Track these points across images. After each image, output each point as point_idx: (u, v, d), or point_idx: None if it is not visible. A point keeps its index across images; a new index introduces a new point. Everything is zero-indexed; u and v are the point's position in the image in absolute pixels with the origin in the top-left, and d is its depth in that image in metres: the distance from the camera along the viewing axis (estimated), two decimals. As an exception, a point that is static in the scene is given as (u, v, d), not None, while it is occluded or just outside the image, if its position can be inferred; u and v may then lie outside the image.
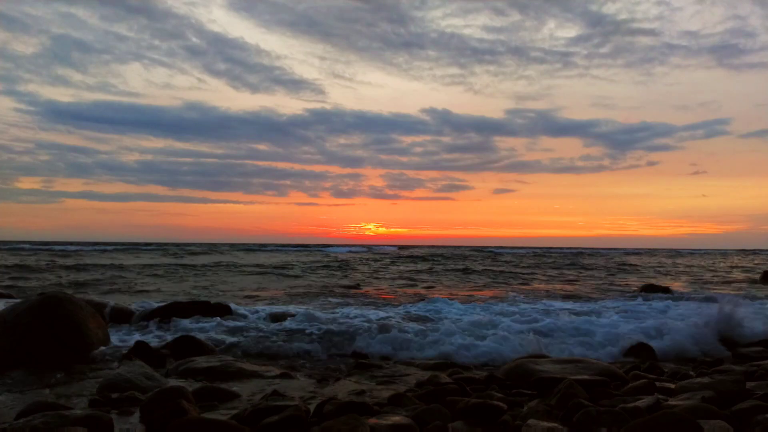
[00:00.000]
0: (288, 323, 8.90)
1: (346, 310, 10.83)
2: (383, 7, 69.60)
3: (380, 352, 7.52)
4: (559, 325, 8.80)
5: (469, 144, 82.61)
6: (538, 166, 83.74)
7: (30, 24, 62.75)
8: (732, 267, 32.40)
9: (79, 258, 32.57)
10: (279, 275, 22.90)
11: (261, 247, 65.03)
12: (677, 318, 9.33)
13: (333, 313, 10.17)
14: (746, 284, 21.22)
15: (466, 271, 27.29)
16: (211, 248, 57.19)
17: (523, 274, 25.98)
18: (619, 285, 20.13)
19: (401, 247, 72.33)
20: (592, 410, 3.77)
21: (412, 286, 19.20)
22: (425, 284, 19.88)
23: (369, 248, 66.94)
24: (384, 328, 8.38)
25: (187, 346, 7.16)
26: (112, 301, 10.32)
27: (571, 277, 23.88)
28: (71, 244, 65.71)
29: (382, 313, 10.29)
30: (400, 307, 11.54)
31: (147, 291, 15.77)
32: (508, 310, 10.74)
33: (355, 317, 9.59)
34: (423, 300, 12.88)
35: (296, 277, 22.50)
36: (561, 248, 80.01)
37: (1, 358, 6.28)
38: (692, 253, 71.54)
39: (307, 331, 8.22)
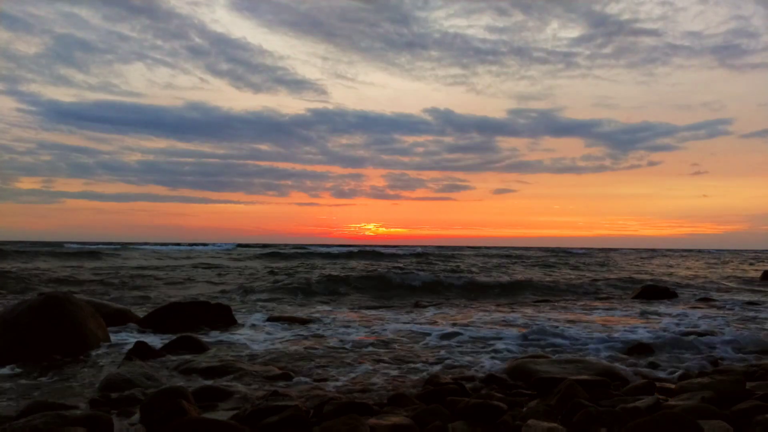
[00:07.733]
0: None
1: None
2: (386, 8, 69.48)
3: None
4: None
5: (471, 144, 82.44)
6: (540, 166, 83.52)
7: (33, 24, 62.56)
8: (732, 267, 32.39)
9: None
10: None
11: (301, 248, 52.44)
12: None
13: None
14: (747, 284, 21.21)
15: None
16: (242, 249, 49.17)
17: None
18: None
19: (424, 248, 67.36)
20: (593, 410, 3.77)
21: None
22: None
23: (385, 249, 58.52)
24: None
25: (187, 346, 7.16)
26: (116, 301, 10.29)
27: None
28: (75, 244, 65.33)
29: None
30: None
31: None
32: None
33: None
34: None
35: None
36: (559, 248, 79.63)
37: (1, 358, 6.28)
38: (690, 252, 71.51)
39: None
